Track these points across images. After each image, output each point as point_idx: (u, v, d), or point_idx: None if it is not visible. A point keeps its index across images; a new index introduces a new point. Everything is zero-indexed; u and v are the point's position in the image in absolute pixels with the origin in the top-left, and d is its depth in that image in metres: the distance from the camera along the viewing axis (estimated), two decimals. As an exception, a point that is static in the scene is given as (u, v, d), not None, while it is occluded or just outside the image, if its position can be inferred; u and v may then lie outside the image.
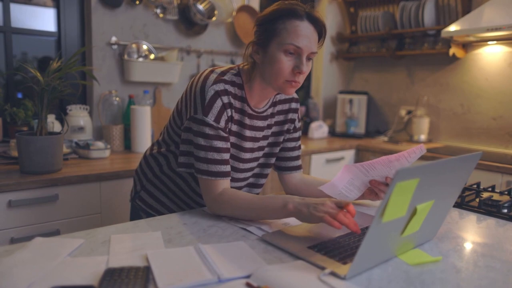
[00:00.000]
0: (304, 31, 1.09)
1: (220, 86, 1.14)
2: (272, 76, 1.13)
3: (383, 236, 0.81)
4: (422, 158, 2.61)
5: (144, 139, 2.28)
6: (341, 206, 0.96)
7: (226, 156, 1.15)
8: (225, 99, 1.14)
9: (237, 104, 1.19)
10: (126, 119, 2.37)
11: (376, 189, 1.18)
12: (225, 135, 1.15)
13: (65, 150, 2.02)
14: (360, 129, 3.41)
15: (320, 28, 1.14)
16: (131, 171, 1.86)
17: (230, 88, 1.16)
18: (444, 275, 0.83)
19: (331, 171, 2.87)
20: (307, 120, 3.37)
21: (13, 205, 1.58)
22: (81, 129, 2.24)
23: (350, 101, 3.43)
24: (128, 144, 2.36)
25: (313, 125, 3.25)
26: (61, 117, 2.23)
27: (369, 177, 1.17)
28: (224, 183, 1.15)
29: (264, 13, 1.14)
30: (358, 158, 3.05)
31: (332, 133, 3.48)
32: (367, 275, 0.82)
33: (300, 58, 1.10)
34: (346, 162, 3.00)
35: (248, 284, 0.75)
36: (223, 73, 1.18)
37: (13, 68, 2.22)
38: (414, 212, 0.83)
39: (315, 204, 0.97)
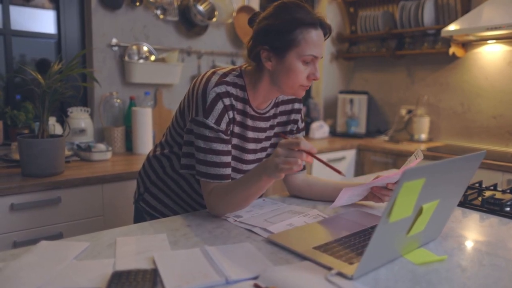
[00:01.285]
0: (319, 40, 1.12)
1: (222, 88, 1.14)
2: (288, 84, 1.14)
3: (390, 236, 0.81)
4: (425, 158, 2.61)
5: (146, 141, 2.28)
6: (292, 147, 0.97)
7: (226, 159, 1.15)
8: (227, 101, 1.14)
9: (239, 105, 1.19)
10: (127, 120, 2.37)
11: (378, 194, 1.20)
12: (226, 137, 1.15)
13: (67, 152, 2.02)
14: (361, 128, 3.41)
15: (326, 31, 1.16)
16: (133, 173, 1.86)
17: (232, 90, 1.16)
18: (450, 274, 0.83)
19: (332, 172, 2.87)
20: (308, 120, 3.38)
21: (15, 209, 1.58)
22: (82, 131, 2.24)
23: (351, 101, 3.43)
24: (129, 145, 2.36)
25: (314, 125, 3.25)
26: (62, 119, 2.23)
27: (369, 186, 1.20)
28: None
29: (276, 21, 1.11)
30: (359, 158, 3.05)
31: (333, 133, 3.48)
32: (373, 275, 0.82)
33: (315, 65, 1.14)
34: (347, 162, 3.00)
35: (256, 285, 0.75)
36: (225, 74, 1.18)
37: (13, 70, 2.22)
38: (420, 212, 0.83)
39: (274, 163, 0.97)
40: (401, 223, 0.81)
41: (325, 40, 1.17)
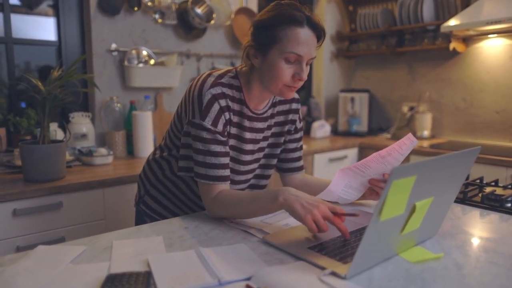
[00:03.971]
0: (305, 38, 1.08)
1: (218, 90, 1.14)
2: (272, 82, 1.13)
3: (382, 234, 0.81)
4: (423, 154, 2.60)
5: (147, 144, 2.29)
6: (336, 212, 0.97)
7: (225, 160, 1.15)
8: (223, 102, 1.14)
9: (235, 106, 1.19)
10: (128, 124, 2.38)
11: (376, 188, 1.18)
12: (223, 139, 1.15)
13: (68, 157, 2.03)
14: (363, 127, 3.40)
15: (319, 32, 1.13)
16: (134, 176, 1.87)
17: (228, 91, 1.17)
18: (445, 272, 0.83)
19: (334, 171, 2.86)
20: (309, 120, 3.37)
21: (18, 214, 1.60)
22: (83, 136, 2.25)
23: (352, 99, 3.42)
24: (130, 149, 2.37)
25: (315, 124, 3.25)
26: (64, 125, 2.24)
27: (366, 177, 1.17)
28: (222, 187, 1.15)
29: (263, 16, 1.12)
30: (361, 156, 3.04)
31: (335, 132, 3.47)
32: (367, 274, 0.81)
33: (300, 65, 1.11)
34: (349, 161, 3.00)
35: (248, 286, 0.75)
36: (221, 76, 1.18)
37: (15, 78, 2.24)
38: (413, 210, 0.83)
39: (310, 205, 0.96)
40: (394, 222, 0.80)
41: (320, 43, 1.15)
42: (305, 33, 1.08)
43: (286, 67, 1.10)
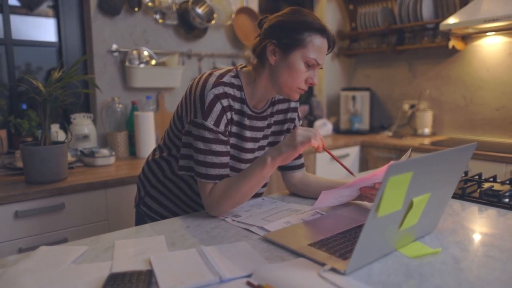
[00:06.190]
0: (325, 49, 1.17)
1: (220, 89, 1.15)
2: (287, 82, 1.17)
3: (381, 230, 0.81)
4: (424, 151, 2.61)
5: (149, 145, 2.30)
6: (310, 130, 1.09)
7: (225, 159, 1.16)
8: (225, 102, 1.15)
9: (236, 105, 1.20)
10: (130, 125, 2.39)
11: (368, 195, 1.19)
12: (225, 138, 1.16)
13: (70, 158, 2.04)
14: (364, 125, 3.41)
15: (330, 45, 1.19)
16: (137, 176, 1.88)
17: (230, 90, 1.18)
18: (443, 267, 0.84)
19: (336, 169, 2.88)
20: (311, 119, 3.38)
21: (19, 216, 1.61)
22: (85, 137, 2.27)
23: (353, 97, 3.43)
24: (133, 150, 2.38)
25: (317, 123, 3.26)
26: (65, 126, 2.25)
27: (356, 188, 1.18)
28: None
29: (288, 18, 1.15)
30: (363, 154, 3.05)
31: (337, 130, 3.48)
32: (367, 269, 0.82)
33: (314, 71, 1.18)
34: (351, 159, 3.00)
35: (248, 283, 0.76)
36: (222, 75, 1.19)
37: (15, 79, 2.25)
38: (410, 206, 0.84)
39: (290, 140, 1.08)
40: (392, 217, 0.81)
41: (328, 53, 1.20)
42: (325, 44, 1.16)
43: (304, 70, 1.16)
